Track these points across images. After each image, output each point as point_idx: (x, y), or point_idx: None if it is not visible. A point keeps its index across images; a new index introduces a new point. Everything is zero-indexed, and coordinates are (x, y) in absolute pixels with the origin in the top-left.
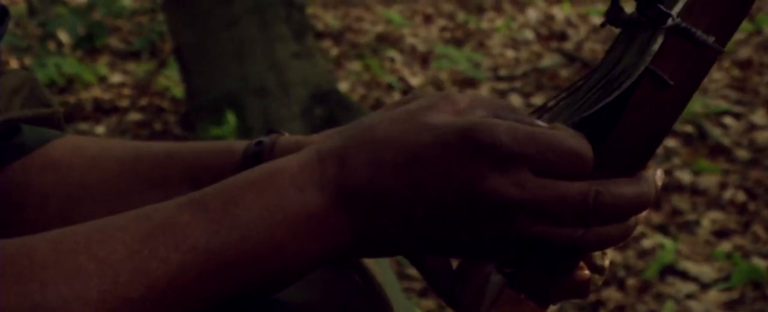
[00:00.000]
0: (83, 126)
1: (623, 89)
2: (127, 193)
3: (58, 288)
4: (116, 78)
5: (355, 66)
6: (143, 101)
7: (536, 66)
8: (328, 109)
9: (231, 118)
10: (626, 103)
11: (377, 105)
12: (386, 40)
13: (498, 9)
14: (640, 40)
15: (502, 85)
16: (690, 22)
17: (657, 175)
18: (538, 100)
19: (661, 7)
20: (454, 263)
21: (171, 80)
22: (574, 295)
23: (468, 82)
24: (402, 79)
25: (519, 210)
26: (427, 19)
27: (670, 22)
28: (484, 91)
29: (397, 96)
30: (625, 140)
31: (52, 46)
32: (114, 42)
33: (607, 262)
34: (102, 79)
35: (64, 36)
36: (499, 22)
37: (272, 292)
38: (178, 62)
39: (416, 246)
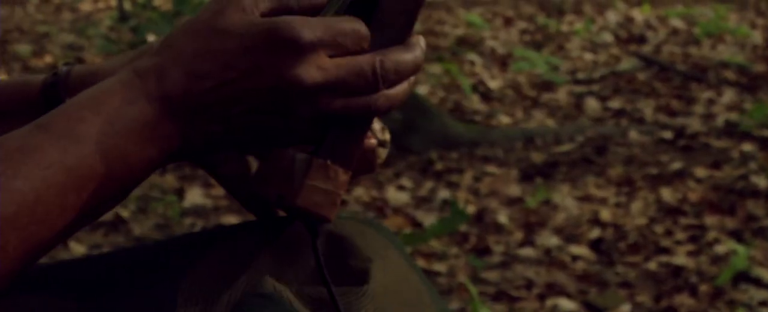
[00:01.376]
0: None
1: None
2: None
3: None
4: None
5: (435, 69)
6: None
7: (614, 69)
8: (407, 113)
9: None
10: None
11: (456, 108)
12: (466, 42)
13: (578, 11)
14: None
15: (580, 89)
16: None
17: (421, 39)
18: (615, 103)
19: None
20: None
21: None
22: (367, 168)
23: (546, 85)
24: (481, 82)
25: (323, 90)
26: (508, 22)
27: None
28: (562, 94)
29: (475, 100)
30: (391, 16)
31: None
32: None
33: (387, 137)
34: None
35: (154, 40)
36: (579, 24)
37: (120, 200)
38: None
39: (237, 139)
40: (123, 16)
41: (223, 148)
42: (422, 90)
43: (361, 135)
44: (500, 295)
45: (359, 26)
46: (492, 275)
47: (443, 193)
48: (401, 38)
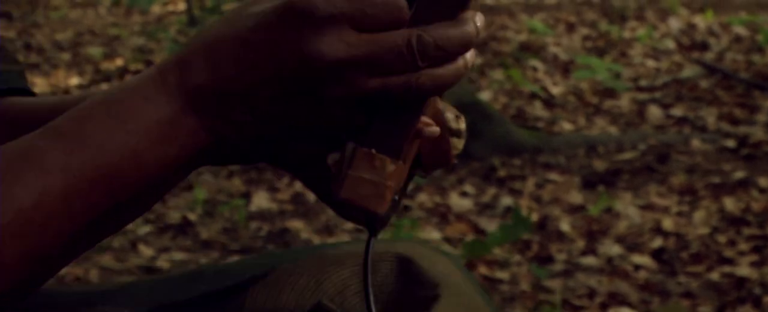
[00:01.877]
0: None
1: None
2: None
3: None
4: None
5: (497, 75)
6: None
7: (676, 77)
8: (470, 119)
9: None
10: None
11: (519, 114)
12: (529, 48)
13: (640, 18)
14: None
15: (642, 96)
16: None
17: (477, 15)
18: (677, 111)
19: None
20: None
21: None
22: (442, 161)
23: (608, 92)
24: (544, 88)
25: (351, 67)
26: (570, 28)
27: None
28: (624, 101)
29: (538, 106)
30: None
31: None
32: None
33: (463, 126)
34: None
35: None
36: (641, 31)
37: (147, 205)
38: None
39: (270, 131)
40: (192, 20)
41: (259, 141)
42: (485, 96)
43: (410, 121)
44: (563, 303)
45: None
46: (554, 284)
47: (506, 200)
48: (452, 13)
